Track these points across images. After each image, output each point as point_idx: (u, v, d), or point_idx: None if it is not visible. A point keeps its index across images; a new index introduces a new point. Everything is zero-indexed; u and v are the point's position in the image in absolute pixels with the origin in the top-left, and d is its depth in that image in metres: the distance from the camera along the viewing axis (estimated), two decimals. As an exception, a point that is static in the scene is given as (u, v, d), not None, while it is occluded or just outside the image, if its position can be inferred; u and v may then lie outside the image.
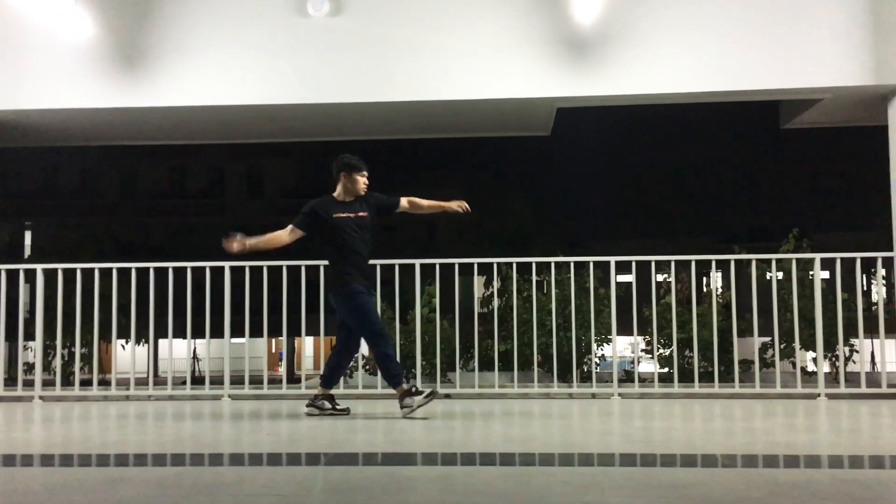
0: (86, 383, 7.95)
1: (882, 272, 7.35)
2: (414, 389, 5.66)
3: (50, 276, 7.50)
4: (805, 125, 8.82)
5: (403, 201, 6.02)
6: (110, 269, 7.49)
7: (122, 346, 8.91)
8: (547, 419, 5.83)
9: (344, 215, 5.83)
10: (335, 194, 5.93)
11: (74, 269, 7.46)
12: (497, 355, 7.68)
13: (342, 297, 5.79)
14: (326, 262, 6.10)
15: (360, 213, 5.88)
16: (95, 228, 33.31)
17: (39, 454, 4.38)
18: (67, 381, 8.52)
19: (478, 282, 8.39)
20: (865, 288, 8.02)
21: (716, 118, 43.21)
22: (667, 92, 7.57)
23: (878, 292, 7.58)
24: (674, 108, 9.09)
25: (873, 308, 7.83)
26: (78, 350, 7.58)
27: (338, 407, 5.88)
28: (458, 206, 5.88)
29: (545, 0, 7.60)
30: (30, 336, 7.83)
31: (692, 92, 7.57)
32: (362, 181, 5.92)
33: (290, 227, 5.88)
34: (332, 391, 6.01)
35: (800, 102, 8.26)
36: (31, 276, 7.50)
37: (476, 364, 8.08)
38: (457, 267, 7.30)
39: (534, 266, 8.14)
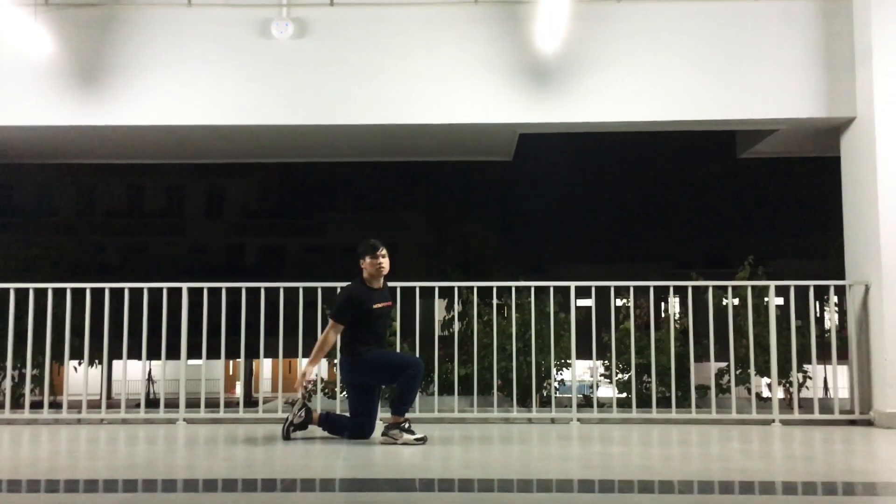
0: (36, 406, 7.75)
1: (835, 300, 7.50)
2: (408, 426, 5.66)
3: (1, 295, 7.33)
4: (761, 155, 9.01)
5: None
6: (64, 289, 7.35)
7: (75, 368, 8.70)
8: (506, 444, 5.82)
9: (380, 306, 5.90)
10: (365, 278, 5.94)
11: (27, 289, 7.31)
12: (457, 379, 7.66)
13: (361, 361, 5.80)
14: (348, 333, 5.94)
15: (389, 304, 6.02)
16: (50, 247, 32.57)
17: (-15, 479, 4.25)
18: (17, 404, 8.31)
19: (439, 305, 8.37)
20: (819, 315, 8.16)
21: (675, 147, 43.93)
22: (627, 120, 7.69)
23: (831, 319, 7.73)
24: (634, 136, 9.23)
25: (826, 335, 7.97)
26: (29, 371, 7.39)
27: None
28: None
29: (508, 27, 7.69)
30: (-22, 357, 7.63)
31: (651, 120, 7.70)
32: (384, 262, 5.93)
33: (331, 323, 5.84)
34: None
35: (756, 133, 8.44)
36: (-19, 295, 7.32)
37: (436, 388, 8.04)
38: (418, 290, 7.29)
39: (494, 290, 8.15)
